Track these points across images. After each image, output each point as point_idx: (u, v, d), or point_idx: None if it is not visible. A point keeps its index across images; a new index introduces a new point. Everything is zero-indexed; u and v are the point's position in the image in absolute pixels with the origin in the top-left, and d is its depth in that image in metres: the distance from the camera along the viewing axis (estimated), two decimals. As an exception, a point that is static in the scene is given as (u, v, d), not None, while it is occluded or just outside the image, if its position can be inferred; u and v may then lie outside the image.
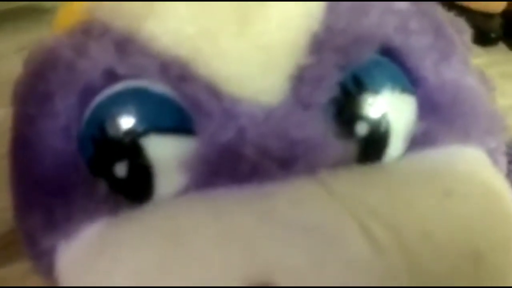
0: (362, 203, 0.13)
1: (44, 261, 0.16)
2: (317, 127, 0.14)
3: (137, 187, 0.14)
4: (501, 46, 0.50)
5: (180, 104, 0.14)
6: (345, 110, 0.15)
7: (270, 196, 0.13)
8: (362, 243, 0.12)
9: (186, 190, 0.14)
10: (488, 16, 0.49)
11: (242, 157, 0.14)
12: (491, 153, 0.17)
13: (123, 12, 0.15)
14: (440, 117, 0.16)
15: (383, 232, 0.13)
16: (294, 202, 0.13)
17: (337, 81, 0.15)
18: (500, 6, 0.48)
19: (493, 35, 0.49)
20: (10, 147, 0.16)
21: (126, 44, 0.15)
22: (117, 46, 0.15)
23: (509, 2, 0.49)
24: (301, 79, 0.15)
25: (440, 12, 0.18)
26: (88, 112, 0.15)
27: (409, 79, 0.16)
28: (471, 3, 0.48)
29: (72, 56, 0.15)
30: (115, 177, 0.14)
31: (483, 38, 0.50)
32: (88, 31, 0.15)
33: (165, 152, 0.14)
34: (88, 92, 0.15)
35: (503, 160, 0.18)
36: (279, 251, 0.12)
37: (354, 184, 0.14)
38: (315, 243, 0.12)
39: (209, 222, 0.13)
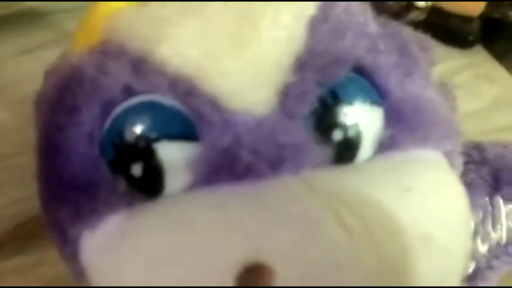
0: (337, 197, 0.16)
1: (69, 248, 0.18)
2: (300, 134, 0.17)
3: (150, 185, 0.17)
4: (479, 49, 0.52)
5: (187, 115, 0.17)
6: (323, 119, 0.17)
7: (262, 191, 0.16)
8: (337, 229, 0.15)
9: (191, 187, 0.17)
10: (467, 19, 0.51)
11: (239, 159, 0.16)
12: (447, 155, 0.20)
13: (137, 35, 0.18)
14: (403, 125, 0.18)
15: (354, 220, 0.15)
16: (281, 196, 0.16)
17: (317, 96, 0.17)
18: (478, 9, 0.50)
19: (471, 38, 0.51)
20: (38, 151, 0.19)
21: (140, 64, 0.17)
22: (133, 65, 0.17)
23: (487, 5, 0.50)
24: (287, 94, 0.17)
25: (406, 32, 0.21)
26: (108, 122, 0.17)
27: (377, 93, 0.18)
28: (450, 6, 0.50)
29: (95, 74, 0.17)
30: (132, 176, 0.17)
31: (461, 40, 0.51)
32: (107, 52, 0.18)
33: (174, 155, 0.17)
34: (109, 105, 0.17)
35: (459, 160, 0.21)
36: (269, 236, 0.15)
37: (331, 181, 0.17)
38: (299, 230, 0.15)
39: (212, 213, 0.16)
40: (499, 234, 0.25)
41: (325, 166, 0.17)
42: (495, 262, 0.25)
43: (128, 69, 0.17)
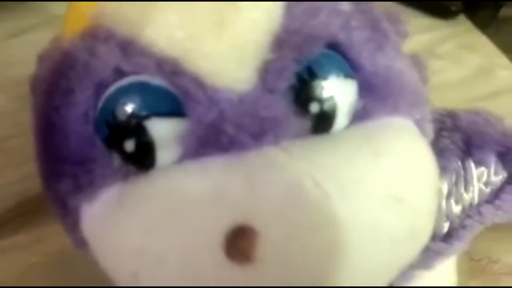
0: (314, 162, 0.17)
1: (70, 219, 0.20)
2: (280, 107, 0.18)
3: (143, 159, 0.18)
4: (462, 19, 0.53)
5: (174, 93, 0.18)
6: (301, 94, 0.19)
7: (246, 161, 0.18)
8: (314, 191, 0.17)
9: (181, 160, 0.18)
10: (449, -11, 0.51)
11: (223, 132, 0.18)
12: (417, 123, 0.21)
13: (124, 19, 0.19)
14: (375, 95, 0.20)
15: (329, 182, 0.17)
16: (263, 164, 0.17)
17: (294, 72, 0.19)
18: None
19: (454, 8, 0.52)
20: (37, 131, 0.20)
21: (128, 47, 0.18)
22: (122, 48, 0.18)
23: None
24: (266, 71, 0.18)
25: (376, 8, 0.22)
26: (101, 102, 0.19)
27: (350, 67, 0.20)
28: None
29: (87, 57, 0.18)
30: (125, 152, 0.18)
31: (444, 11, 0.53)
32: (96, 36, 0.19)
33: (163, 131, 0.18)
34: (101, 86, 0.18)
35: (429, 127, 0.22)
36: (254, 201, 0.17)
37: (309, 149, 0.18)
38: (280, 194, 0.17)
39: (200, 182, 0.17)
40: (471, 196, 0.27)
41: (303, 136, 0.19)
42: (468, 222, 0.27)
43: (118, 51, 0.18)
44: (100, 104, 0.19)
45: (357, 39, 0.20)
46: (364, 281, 0.17)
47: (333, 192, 0.17)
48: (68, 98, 0.18)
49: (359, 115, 0.20)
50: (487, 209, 0.27)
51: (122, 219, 0.18)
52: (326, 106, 0.19)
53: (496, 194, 0.27)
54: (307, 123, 0.19)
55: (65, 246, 0.31)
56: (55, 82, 0.19)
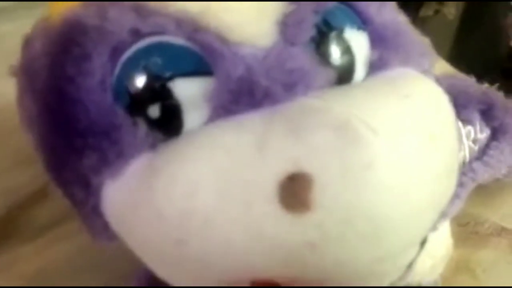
0: (353, 105, 0.17)
1: (90, 202, 0.18)
2: (305, 59, 0.18)
3: (170, 123, 0.17)
4: None
5: (197, 52, 0.17)
6: (321, 45, 0.19)
7: (283, 111, 0.17)
8: (362, 129, 0.16)
9: (209, 121, 0.17)
10: None
11: (257, 84, 0.17)
12: (424, 74, 0.22)
13: None
14: (387, 46, 0.20)
15: (361, 124, 0.16)
16: (303, 111, 0.17)
17: (313, 24, 0.19)
18: None
19: None
20: (42, 111, 0.18)
21: (143, 8, 0.17)
22: (135, 10, 0.17)
23: None
24: (286, 24, 0.18)
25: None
26: (119, 67, 0.17)
27: (360, 20, 0.20)
28: None
29: (98, 21, 0.17)
30: (150, 118, 0.17)
31: None
32: (101, 2, 0.18)
33: (189, 91, 0.17)
34: (118, 49, 0.17)
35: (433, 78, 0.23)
36: (303, 146, 0.16)
37: (343, 96, 0.18)
38: (329, 135, 0.16)
39: (240, 135, 0.16)
40: (462, 154, 0.28)
41: (329, 87, 0.18)
42: (464, 179, 0.27)
43: (131, 13, 0.17)
44: (117, 70, 0.17)
45: None
46: (414, 219, 0.17)
47: (380, 130, 0.16)
48: (84, 66, 0.17)
49: (376, 66, 0.20)
50: (478, 166, 0.28)
51: (161, 186, 0.16)
52: (346, 57, 0.19)
53: (484, 151, 0.28)
54: (330, 74, 0.19)
55: (41, 266, 0.29)
56: (65, 51, 0.17)
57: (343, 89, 0.18)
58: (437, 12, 0.75)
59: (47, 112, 0.18)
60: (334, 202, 0.16)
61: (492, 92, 0.30)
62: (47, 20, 0.20)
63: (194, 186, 0.16)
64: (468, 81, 0.29)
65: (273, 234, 0.16)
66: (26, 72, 0.20)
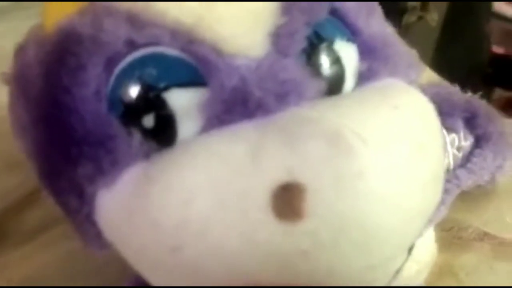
0: (344, 115, 0.17)
1: (84, 211, 0.18)
2: (296, 70, 0.18)
3: (164, 133, 0.18)
4: None
5: (191, 62, 0.18)
6: (312, 57, 0.19)
7: (276, 121, 0.17)
8: (353, 139, 0.16)
9: (203, 131, 0.18)
10: None
11: (250, 95, 0.17)
12: (411, 85, 0.22)
13: None
14: (376, 57, 0.21)
15: (352, 134, 0.17)
16: (295, 121, 0.17)
17: (305, 36, 0.19)
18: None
19: None
20: (36, 119, 0.18)
21: (137, 19, 0.18)
22: (129, 21, 0.18)
23: None
24: (278, 35, 0.19)
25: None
26: (113, 77, 0.17)
27: (350, 32, 0.21)
28: None
29: (94, 31, 0.17)
30: (145, 128, 0.18)
31: None
32: (97, 12, 0.18)
33: (183, 102, 0.18)
34: (112, 60, 0.17)
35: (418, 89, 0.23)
36: (296, 156, 0.16)
37: (334, 106, 0.18)
38: (321, 144, 0.16)
39: (235, 145, 0.17)
40: (447, 161, 0.28)
41: (320, 98, 0.19)
42: (448, 186, 0.28)
43: (126, 24, 0.18)
44: (112, 80, 0.18)
45: (351, 5, 0.21)
46: (404, 227, 0.18)
47: (370, 140, 0.17)
48: (79, 76, 0.17)
49: (365, 76, 0.20)
50: (462, 173, 0.29)
51: (156, 194, 0.16)
52: (336, 67, 0.20)
53: (468, 158, 0.29)
54: (321, 85, 0.19)
55: (30, 272, 0.29)
56: (60, 61, 0.18)
57: (334, 100, 0.19)
58: (420, 18, 0.76)
59: (41, 121, 0.18)
60: (326, 211, 0.16)
61: (475, 100, 0.31)
62: (40, 27, 0.20)
63: (189, 194, 0.16)
64: (452, 90, 0.30)
65: (266, 242, 0.16)
66: (18, 80, 0.20)
